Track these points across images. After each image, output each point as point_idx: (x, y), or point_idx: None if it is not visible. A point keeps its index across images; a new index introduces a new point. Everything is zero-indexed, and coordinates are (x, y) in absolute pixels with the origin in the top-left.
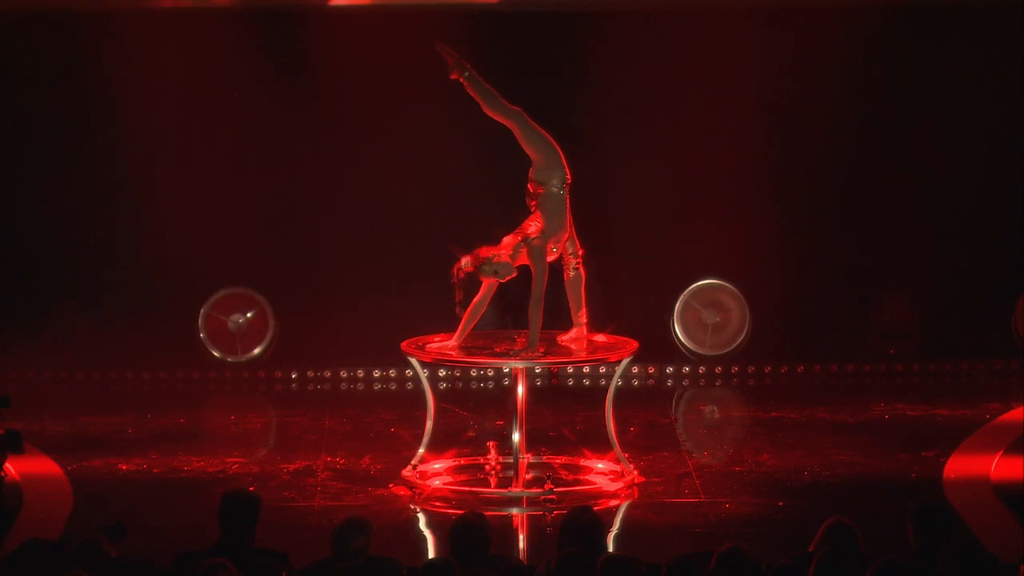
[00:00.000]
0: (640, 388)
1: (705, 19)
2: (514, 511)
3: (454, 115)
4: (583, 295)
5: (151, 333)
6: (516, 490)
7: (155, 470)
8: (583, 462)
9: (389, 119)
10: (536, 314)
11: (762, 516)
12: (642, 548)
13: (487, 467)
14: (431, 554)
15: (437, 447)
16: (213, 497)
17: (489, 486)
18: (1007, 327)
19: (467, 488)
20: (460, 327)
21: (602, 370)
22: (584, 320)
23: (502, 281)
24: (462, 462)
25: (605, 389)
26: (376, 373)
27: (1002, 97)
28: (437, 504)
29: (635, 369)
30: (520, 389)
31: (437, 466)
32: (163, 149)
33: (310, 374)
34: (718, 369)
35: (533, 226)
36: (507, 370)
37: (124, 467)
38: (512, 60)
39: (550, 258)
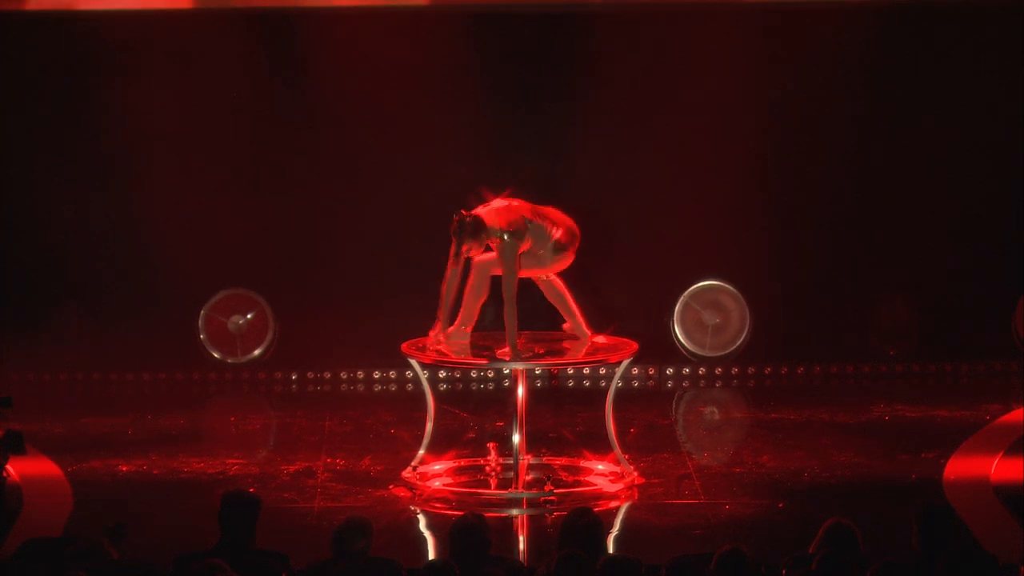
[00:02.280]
0: (640, 389)
1: (704, 19)
2: (514, 512)
3: (454, 118)
4: (570, 301)
5: (151, 334)
6: (516, 491)
7: (155, 471)
8: (583, 463)
9: (389, 122)
10: (512, 316)
11: (762, 517)
12: (642, 549)
13: (487, 468)
14: (431, 555)
15: (437, 448)
16: (213, 498)
17: (489, 487)
18: (1007, 327)
19: (467, 489)
20: (461, 313)
21: (602, 371)
22: (582, 323)
23: (473, 252)
24: (462, 463)
25: (605, 390)
26: (376, 374)
27: (1002, 97)
28: (437, 505)
29: (635, 370)
30: (520, 390)
31: (437, 467)
32: (163, 151)
33: (310, 375)
34: (718, 370)
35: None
36: (507, 371)
37: (124, 468)
38: (510, 60)
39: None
